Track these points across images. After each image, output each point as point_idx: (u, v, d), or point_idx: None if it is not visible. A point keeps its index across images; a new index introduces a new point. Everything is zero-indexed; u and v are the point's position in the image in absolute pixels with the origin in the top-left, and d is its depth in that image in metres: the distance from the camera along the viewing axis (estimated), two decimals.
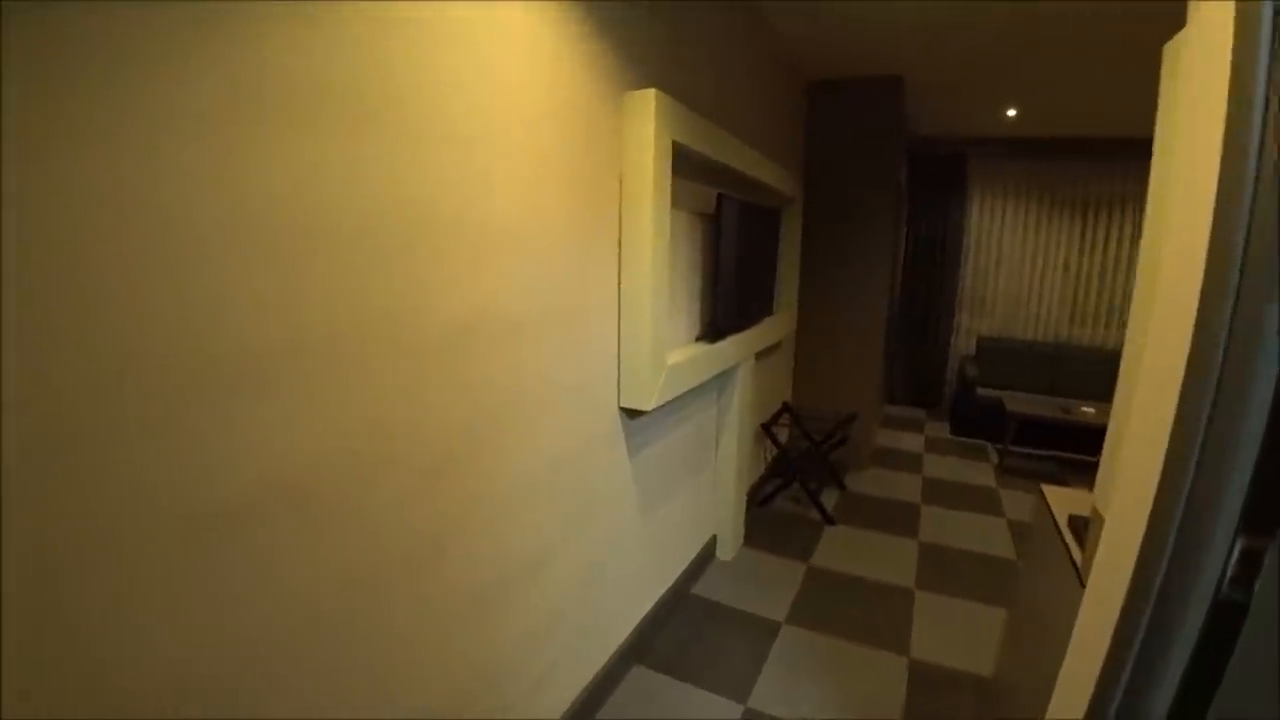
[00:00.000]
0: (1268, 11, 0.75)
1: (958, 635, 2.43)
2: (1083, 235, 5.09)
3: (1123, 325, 5.03)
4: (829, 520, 3.33)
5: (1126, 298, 5.03)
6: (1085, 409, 4.26)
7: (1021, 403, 4.40)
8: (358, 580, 1.07)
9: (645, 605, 2.26)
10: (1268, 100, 0.74)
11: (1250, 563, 0.78)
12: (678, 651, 2.25)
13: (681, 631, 2.37)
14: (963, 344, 5.46)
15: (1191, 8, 0.99)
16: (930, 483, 3.99)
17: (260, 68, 0.85)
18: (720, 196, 2.17)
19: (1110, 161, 4.87)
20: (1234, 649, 0.79)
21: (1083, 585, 1.23)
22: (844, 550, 3.05)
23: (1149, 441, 0.95)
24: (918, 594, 2.71)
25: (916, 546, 3.14)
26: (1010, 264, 5.29)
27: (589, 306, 1.64)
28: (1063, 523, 1.51)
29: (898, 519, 3.44)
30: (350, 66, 0.97)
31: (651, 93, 1.64)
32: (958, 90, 3.76)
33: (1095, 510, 1.27)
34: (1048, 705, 1.31)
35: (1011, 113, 4.21)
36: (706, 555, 2.81)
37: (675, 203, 1.96)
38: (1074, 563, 1.35)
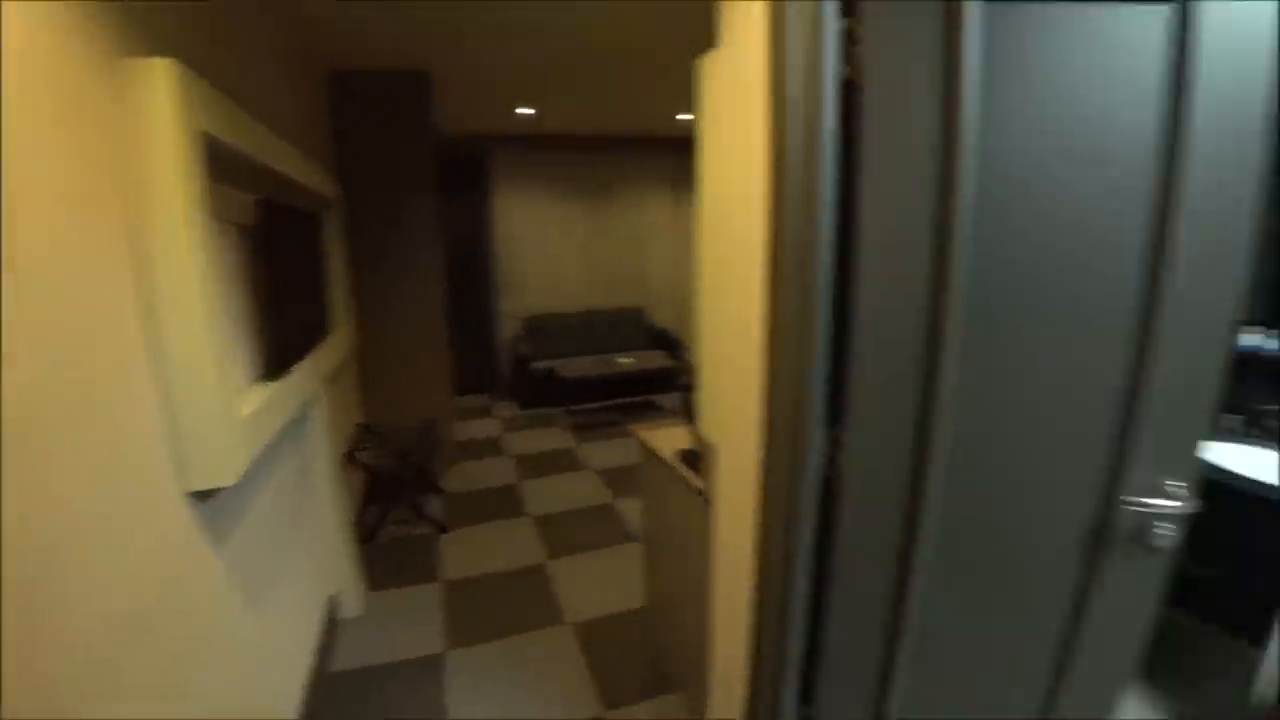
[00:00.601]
0: (795, 23, 0.97)
1: (599, 584, 2.70)
2: (597, 218, 6.09)
3: (636, 290, 6.31)
4: (442, 529, 3.23)
5: (635, 268, 6.31)
6: (623, 360, 5.21)
7: (572, 368, 5.08)
8: None
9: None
10: (807, 102, 0.98)
11: (836, 445, 1.08)
12: None
13: None
14: (509, 326, 5.92)
15: (724, 24, 1.22)
16: (519, 460, 4.26)
17: None
18: (261, 203, 1.75)
19: (618, 154, 5.95)
20: (840, 512, 1.09)
21: (709, 502, 1.50)
22: (468, 553, 3.01)
23: (745, 375, 1.21)
24: (550, 564, 2.90)
25: (531, 522, 3.33)
26: (539, 248, 5.94)
27: (95, 372, 1.10)
28: (671, 458, 1.80)
29: (504, 503, 3.57)
30: None
31: (168, 64, 1.17)
32: (480, 89, 3.93)
33: (704, 441, 1.54)
34: (705, 607, 1.57)
35: (530, 112, 4.64)
36: (333, 621, 2.37)
37: (211, 212, 1.49)
38: (694, 488, 1.63)
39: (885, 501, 1.08)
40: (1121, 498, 1.09)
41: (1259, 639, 1.54)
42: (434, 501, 3.57)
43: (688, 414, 1.79)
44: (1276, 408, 1.87)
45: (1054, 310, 1.02)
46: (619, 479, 3.86)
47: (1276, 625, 1.49)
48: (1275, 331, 1.87)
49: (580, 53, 3.19)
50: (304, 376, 2.16)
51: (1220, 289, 1.03)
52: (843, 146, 0.97)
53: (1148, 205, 0.98)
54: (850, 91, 0.96)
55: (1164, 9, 0.92)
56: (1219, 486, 1.50)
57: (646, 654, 2.23)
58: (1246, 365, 1.56)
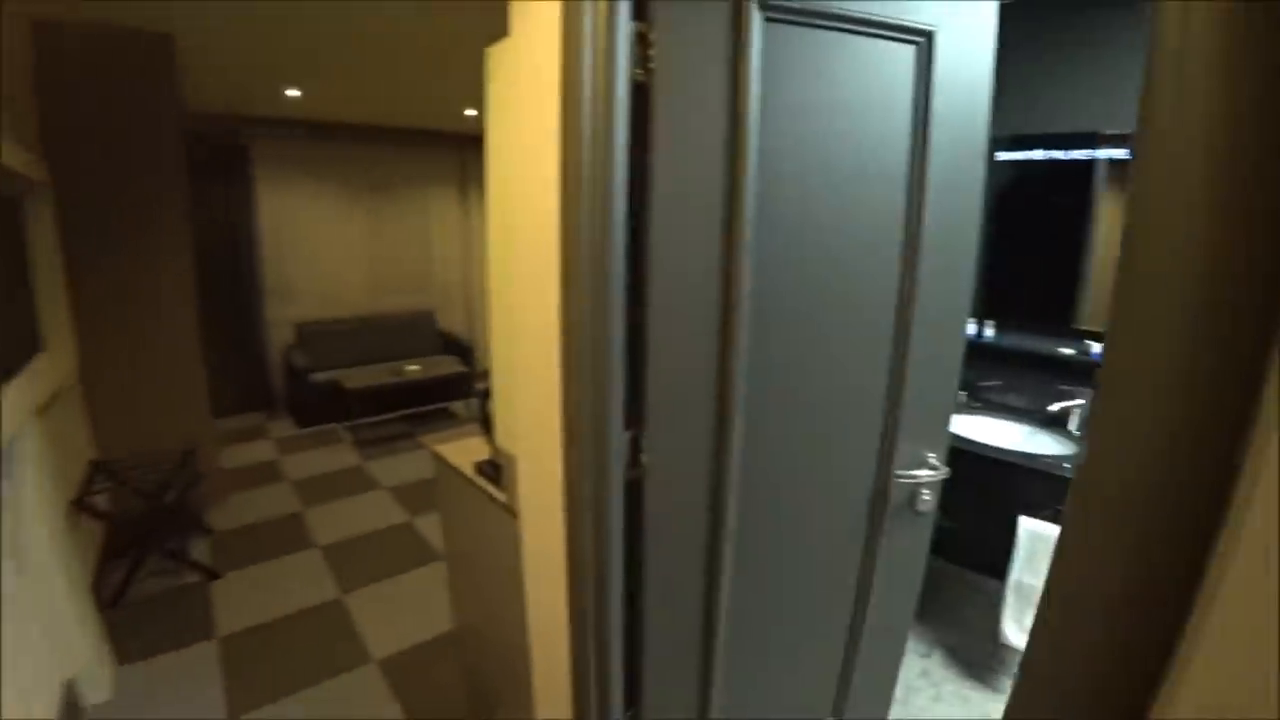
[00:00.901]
0: (588, 24, 0.95)
1: (404, 613, 2.54)
2: (378, 217, 5.57)
3: (423, 293, 5.92)
4: (213, 575, 2.78)
5: (422, 269, 5.90)
6: (410, 367, 4.89)
7: (356, 378, 4.66)
8: None
9: None
10: (597, 103, 0.97)
11: (635, 447, 1.13)
12: None
13: None
14: (281, 335, 5.24)
15: (515, 16, 1.17)
16: (300, 485, 3.81)
17: None
18: None
19: (402, 148, 5.47)
20: (646, 513, 1.15)
21: (514, 514, 1.44)
22: (248, 598, 2.63)
23: (542, 381, 1.20)
24: (347, 598, 2.65)
25: (320, 553, 3.01)
26: (312, 248, 5.29)
27: None
28: (469, 471, 1.69)
29: (286, 536, 3.18)
30: None
31: None
32: (239, 63, 3.38)
33: (503, 452, 1.48)
34: (520, 621, 1.49)
35: (294, 93, 4.09)
36: (74, 713, 1.90)
37: None
38: (496, 501, 1.53)
39: (689, 499, 1.16)
40: (895, 472, 1.30)
41: (999, 571, 1.97)
42: (200, 544, 3.04)
43: (484, 423, 1.73)
44: (991, 384, 2.43)
45: (828, 309, 1.17)
46: (415, 495, 3.66)
47: (1012, 561, 1.91)
48: (986, 321, 2.45)
49: (351, 34, 2.91)
50: (4, 409, 1.72)
51: (957, 287, 1.25)
52: (633, 148, 0.99)
53: (900, 216, 1.17)
54: (640, 93, 0.98)
55: (910, 49, 1.11)
56: (955, 452, 1.90)
57: (463, 679, 2.16)
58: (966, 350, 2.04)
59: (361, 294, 5.62)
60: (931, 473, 1.32)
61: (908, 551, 1.42)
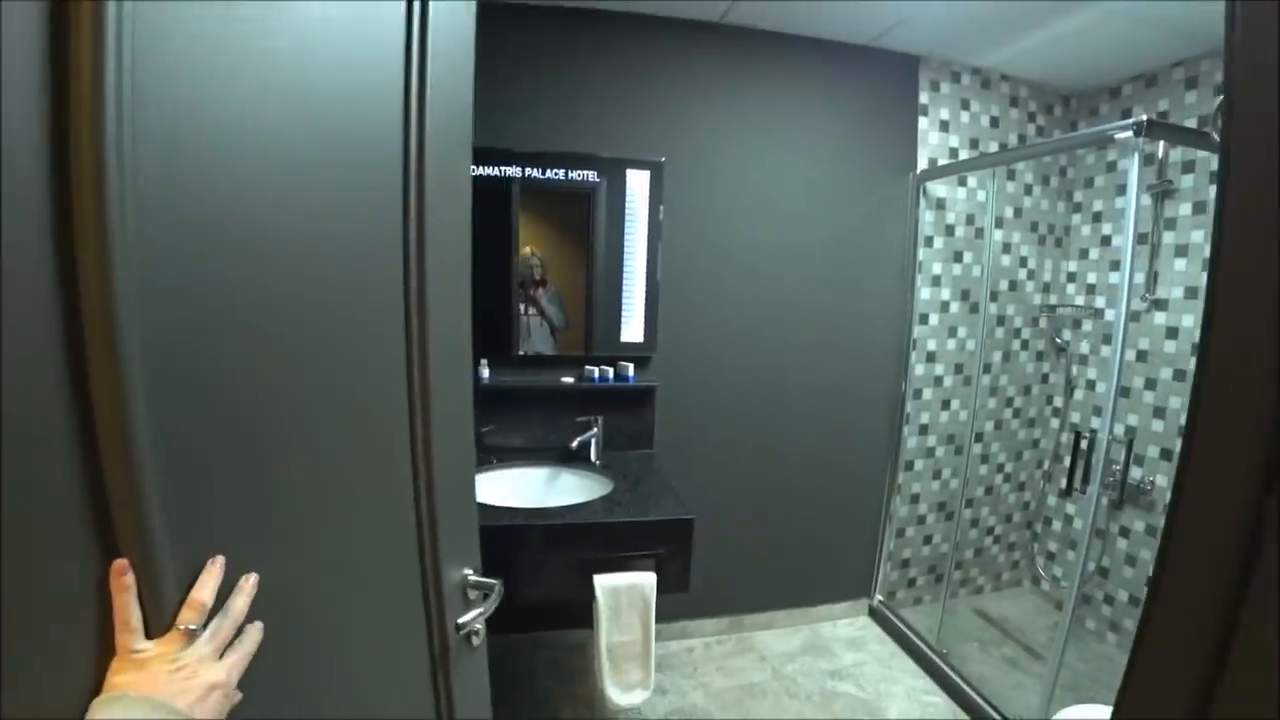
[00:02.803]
0: None
1: None
2: None
3: None
4: None
5: None
6: None
7: None
8: None
9: None
10: None
11: None
12: None
13: None
14: None
15: None
16: None
17: None
18: None
19: None
20: None
21: None
22: None
23: None
24: None
25: None
26: None
27: None
28: None
29: None
30: None
31: None
32: None
33: None
34: None
35: None
36: None
37: None
38: None
39: None
40: (455, 621, 0.88)
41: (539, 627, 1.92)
42: None
43: None
44: (488, 429, 2.23)
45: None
46: None
47: (597, 624, 1.75)
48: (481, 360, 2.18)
49: None
50: None
51: (461, 325, 0.87)
52: None
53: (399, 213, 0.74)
54: None
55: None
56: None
57: None
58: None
59: None
60: (483, 598, 0.92)
61: (475, 690, 1.00)
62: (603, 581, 1.75)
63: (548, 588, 1.82)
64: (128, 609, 0.51)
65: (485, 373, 2.20)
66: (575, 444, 2.20)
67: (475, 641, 0.95)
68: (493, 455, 2.21)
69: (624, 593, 1.77)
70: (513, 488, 2.15)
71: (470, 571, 0.92)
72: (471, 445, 0.92)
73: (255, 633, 0.59)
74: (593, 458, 2.22)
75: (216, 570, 0.56)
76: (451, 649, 0.89)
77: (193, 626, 0.53)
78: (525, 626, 2.51)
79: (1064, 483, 2.53)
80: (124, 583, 0.51)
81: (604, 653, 1.81)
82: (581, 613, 2.18)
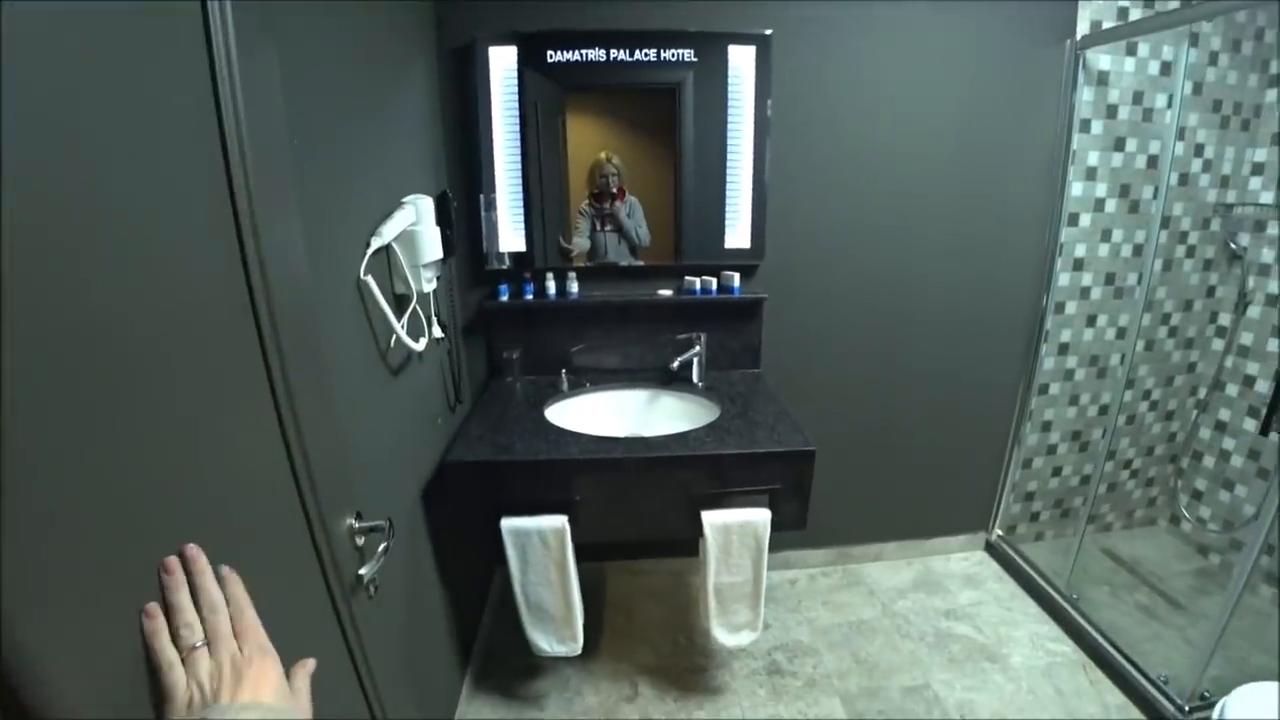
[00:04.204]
0: None
1: None
2: None
3: None
4: None
5: None
6: None
7: None
8: None
9: None
10: None
11: None
12: None
13: None
14: None
15: None
16: None
17: None
18: None
19: None
20: None
21: None
22: None
23: None
24: None
25: None
26: None
27: None
28: None
29: None
30: None
31: None
32: None
33: None
34: None
35: None
36: None
37: None
38: None
39: None
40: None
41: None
42: None
43: None
44: (576, 347, 2.10)
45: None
46: None
47: (706, 563, 1.65)
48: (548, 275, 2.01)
49: None
50: None
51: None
52: None
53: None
54: None
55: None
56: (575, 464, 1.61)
57: None
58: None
59: None
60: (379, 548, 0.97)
61: (382, 638, 1.06)
62: (712, 519, 1.59)
63: (649, 526, 1.68)
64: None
65: (574, 287, 2.02)
66: (676, 364, 2.02)
67: (373, 592, 1.00)
68: (585, 377, 2.06)
69: (735, 531, 1.61)
70: (608, 412, 2.00)
71: (353, 520, 0.95)
72: (333, 396, 0.93)
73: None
74: (695, 379, 2.03)
75: None
76: (353, 600, 0.93)
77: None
78: (621, 556, 2.44)
79: (1261, 419, 2.02)
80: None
81: (711, 594, 1.69)
82: (683, 542, 2.05)
